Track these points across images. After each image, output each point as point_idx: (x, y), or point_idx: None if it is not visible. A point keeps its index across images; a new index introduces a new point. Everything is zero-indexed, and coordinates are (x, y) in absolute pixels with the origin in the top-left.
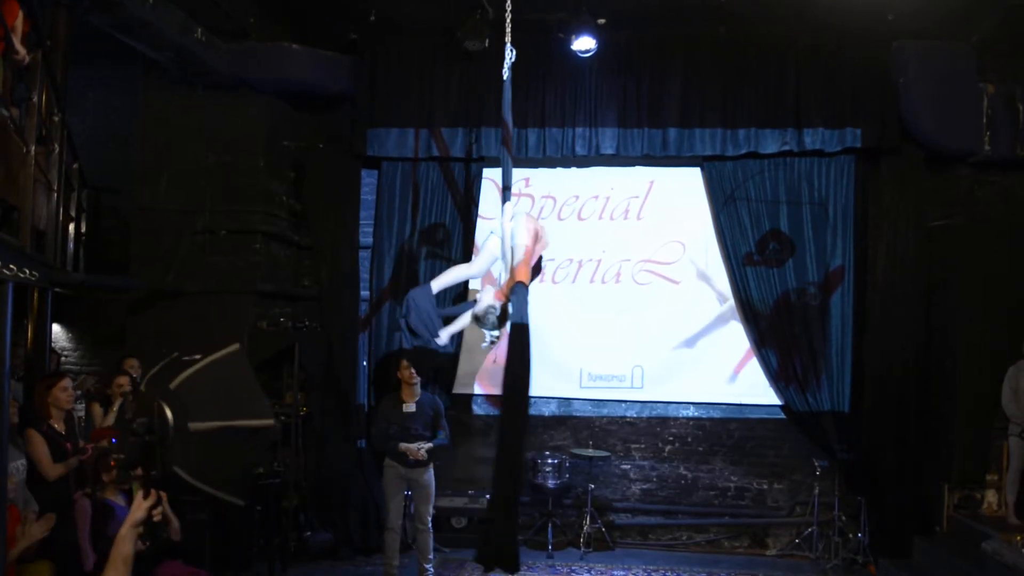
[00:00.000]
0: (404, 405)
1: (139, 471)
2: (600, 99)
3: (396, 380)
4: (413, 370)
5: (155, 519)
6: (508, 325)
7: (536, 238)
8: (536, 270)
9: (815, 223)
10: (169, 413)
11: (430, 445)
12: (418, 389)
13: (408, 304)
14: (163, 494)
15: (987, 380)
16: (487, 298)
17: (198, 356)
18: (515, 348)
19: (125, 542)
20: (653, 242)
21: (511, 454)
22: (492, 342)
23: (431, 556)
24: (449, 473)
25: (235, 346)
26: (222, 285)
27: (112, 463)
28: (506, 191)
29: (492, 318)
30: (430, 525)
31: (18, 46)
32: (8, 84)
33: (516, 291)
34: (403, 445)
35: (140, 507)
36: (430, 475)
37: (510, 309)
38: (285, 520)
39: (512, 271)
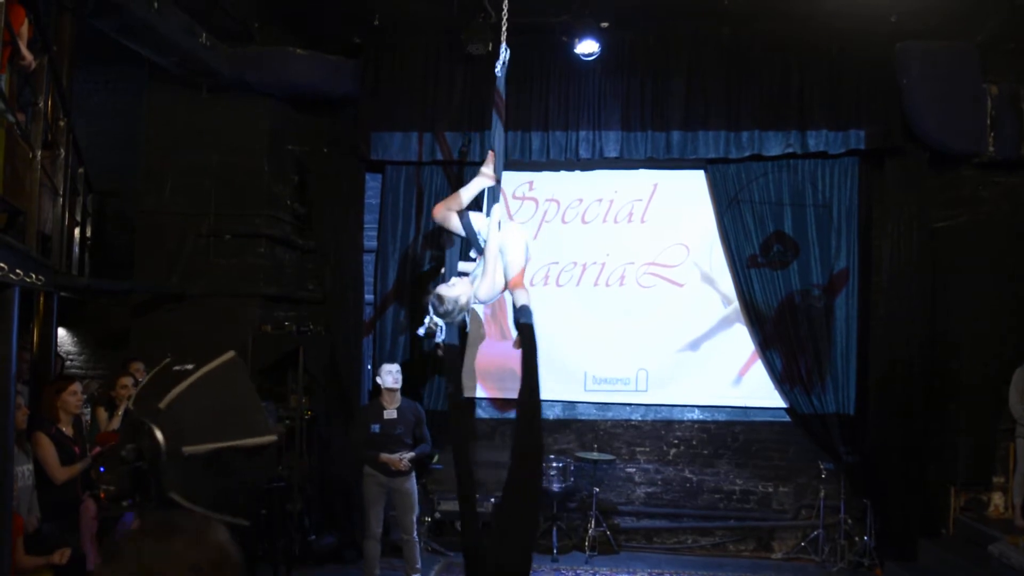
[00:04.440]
0: (385, 411)
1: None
2: (603, 102)
3: (376, 387)
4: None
5: None
6: (443, 334)
7: (525, 252)
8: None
9: (819, 225)
10: (160, 436)
11: (413, 455)
12: (399, 395)
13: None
14: None
15: (993, 382)
16: (461, 288)
17: (190, 366)
18: (528, 352)
19: None
20: (657, 245)
21: (529, 467)
22: (428, 333)
23: (418, 565)
24: (451, 477)
25: (230, 354)
26: (226, 288)
27: (102, 495)
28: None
29: (455, 307)
30: (415, 534)
31: (24, 51)
32: (14, 89)
33: (517, 297)
34: (384, 456)
35: None
36: (412, 484)
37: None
38: (289, 523)
39: (506, 282)
